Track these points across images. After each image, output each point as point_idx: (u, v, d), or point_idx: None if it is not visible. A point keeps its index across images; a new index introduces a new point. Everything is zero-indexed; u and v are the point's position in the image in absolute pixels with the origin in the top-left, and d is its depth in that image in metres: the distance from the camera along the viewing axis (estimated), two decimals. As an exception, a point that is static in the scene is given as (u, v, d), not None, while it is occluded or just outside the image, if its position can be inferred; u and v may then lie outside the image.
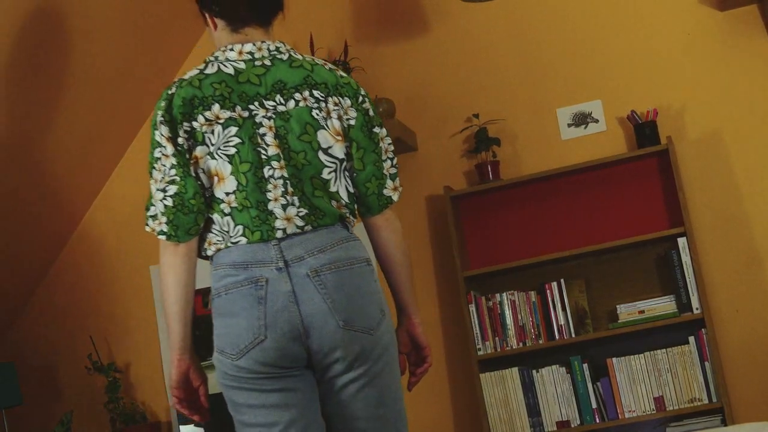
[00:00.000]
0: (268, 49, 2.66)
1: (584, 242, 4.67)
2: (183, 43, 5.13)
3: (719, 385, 4.36)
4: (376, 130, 2.69)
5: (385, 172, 2.71)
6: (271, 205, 2.55)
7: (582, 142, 4.79)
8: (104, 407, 5.00)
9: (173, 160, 2.55)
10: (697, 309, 4.43)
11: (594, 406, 4.51)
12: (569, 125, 4.81)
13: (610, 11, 4.81)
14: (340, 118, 2.62)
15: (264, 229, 2.54)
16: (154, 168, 2.58)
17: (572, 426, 4.50)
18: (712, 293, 4.59)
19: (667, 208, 4.64)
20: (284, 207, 2.55)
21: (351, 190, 2.66)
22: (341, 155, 2.62)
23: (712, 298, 4.58)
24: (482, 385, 4.57)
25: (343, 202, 2.63)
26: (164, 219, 2.56)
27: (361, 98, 2.67)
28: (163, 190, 2.56)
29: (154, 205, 2.58)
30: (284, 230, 2.55)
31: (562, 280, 4.59)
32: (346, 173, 2.65)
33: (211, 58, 2.66)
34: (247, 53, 2.63)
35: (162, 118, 2.56)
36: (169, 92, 2.59)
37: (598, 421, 4.50)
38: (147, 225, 2.59)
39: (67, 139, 4.72)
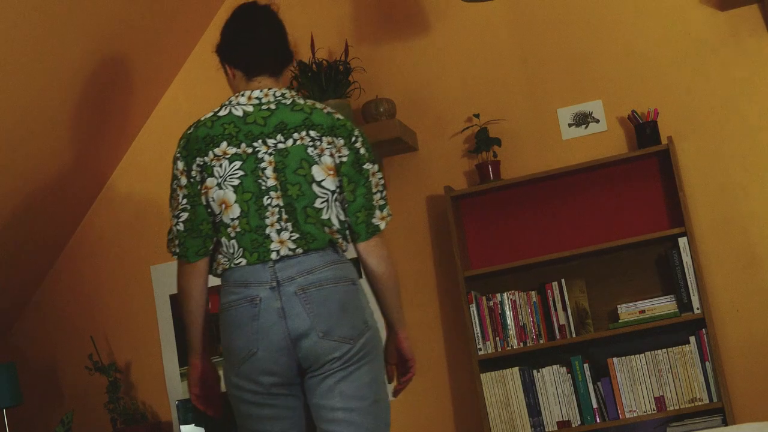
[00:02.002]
0: (274, 95, 3.04)
1: (585, 242, 4.67)
2: (183, 44, 5.13)
3: (720, 385, 4.36)
4: (367, 166, 3.04)
5: (374, 203, 3.04)
6: (267, 230, 2.92)
7: (582, 142, 4.79)
8: (105, 407, 5.00)
9: (186, 191, 2.98)
10: (697, 309, 4.43)
11: (594, 405, 4.51)
12: (570, 125, 4.81)
13: (610, 11, 4.81)
14: (332, 155, 2.99)
15: (261, 251, 2.92)
16: (171, 197, 3.03)
17: (573, 426, 4.51)
18: (713, 293, 4.59)
19: (667, 208, 4.65)
20: (279, 232, 2.92)
21: (342, 218, 3.01)
22: (333, 187, 2.99)
23: (712, 298, 4.58)
24: (483, 384, 4.57)
25: (335, 228, 2.99)
26: (177, 242, 2.99)
27: (354, 138, 3.03)
28: (177, 217, 2.99)
29: (171, 230, 3.01)
30: (278, 252, 2.92)
31: (562, 280, 4.59)
32: (338, 203, 3.01)
33: (226, 102, 3.04)
34: (255, 98, 3.03)
35: (179, 154, 3.01)
36: (188, 132, 3.03)
37: (598, 420, 4.50)
38: (167, 246, 3.03)
39: (67, 139, 4.72)
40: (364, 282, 3.11)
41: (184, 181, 2.99)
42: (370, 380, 2.95)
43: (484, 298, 4.62)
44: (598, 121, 4.78)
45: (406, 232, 4.93)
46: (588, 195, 4.73)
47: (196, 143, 2.98)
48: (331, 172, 2.98)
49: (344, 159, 3.00)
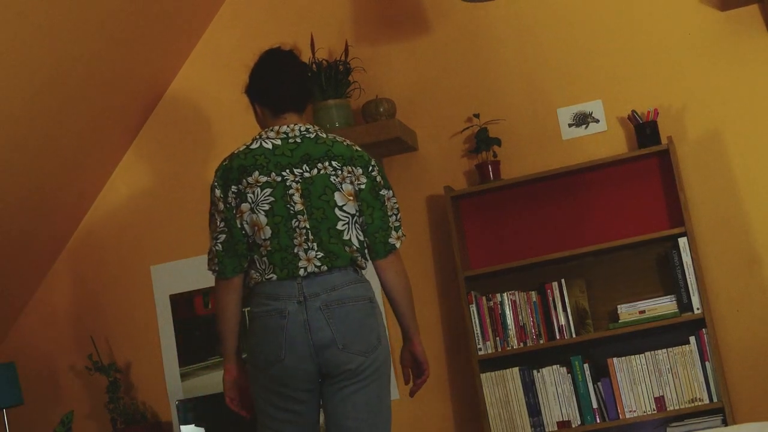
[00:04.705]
0: (299, 129, 3.39)
1: (585, 242, 4.67)
2: (184, 44, 5.13)
3: (720, 385, 4.36)
4: (383, 192, 3.41)
5: (390, 225, 3.40)
6: (296, 249, 3.28)
7: (583, 142, 4.79)
8: (105, 407, 5.00)
9: (223, 215, 3.33)
10: (697, 309, 4.43)
11: (594, 406, 4.51)
12: (570, 125, 4.81)
13: (610, 11, 4.81)
14: (352, 183, 3.36)
15: (290, 268, 3.27)
16: (210, 221, 3.38)
17: (573, 426, 4.51)
18: (713, 293, 4.59)
19: (667, 208, 4.64)
20: (306, 251, 3.28)
21: (361, 238, 3.36)
22: (353, 211, 3.35)
23: (712, 298, 4.58)
24: (483, 384, 4.57)
25: (355, 247, 3.33)
26: (216, 260, 3.33)
27: (371, 168, 3.40)
28: (216, 238, 3.34)
29: (210, 250, 3.35)
30: (305, 269, 3.27)
31: (562, 280, 4.59)
32: (358, 225, 3.36)
33: (257, 137, 3.40)
34: (283, 133, 3.39)
35: (216, 183, 3.36)
36: (224, 164, 3.38)
37: (598, 421, 4.50)
38: (208, 265, 3.36)
39: (67, 139, 4.72)
40: (379, 299, 3.50)
41: (221, 206, 3.34)
42: (378, 395, 3.32)
43: (484, 298, 4.62)
44: (598, 121, 4.78)
45: (407, 232, 4.90)
46: (588, 195, 4.73)
47: (231, 173, 3.34)
48: (351, 198, 3.35)
49: (362, 186, 3.37)
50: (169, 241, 5.11)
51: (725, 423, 4.33)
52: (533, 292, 4.61)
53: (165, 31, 4.89)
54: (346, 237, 3.32)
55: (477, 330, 4.60)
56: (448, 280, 4.85)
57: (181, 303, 5.08)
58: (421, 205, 4.93)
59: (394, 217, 3.42)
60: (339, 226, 3.31)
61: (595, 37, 4.82)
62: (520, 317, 4.59)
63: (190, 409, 4.81)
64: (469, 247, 4.82)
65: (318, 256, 3.27)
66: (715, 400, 4.38)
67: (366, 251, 3.39)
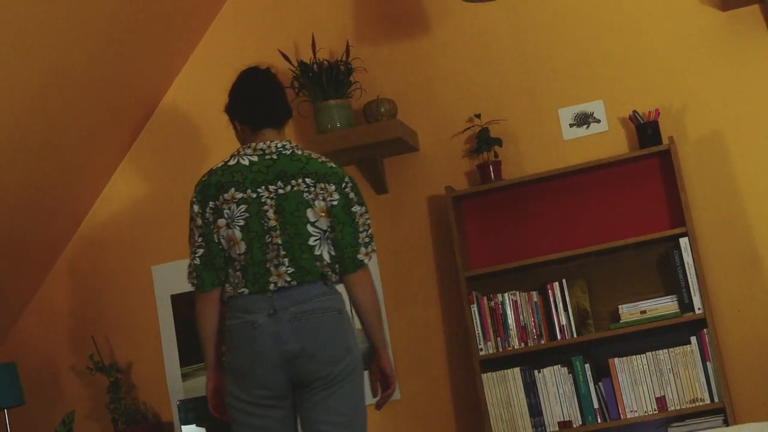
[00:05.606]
0: (276, 146, 3.49)
1: (586, 242, 4.67)
2: (184, 44, 5.13)
3: (721, 385, 4.36)
4: (355, 209, 3.48)
5: (360, 241, 3.47)
6: (268, 265, 3.38)
7: (584, 142, 4.79)
8: (106, 407, 5.00)
9: (201, 230, 3.44)
10: (698, 309, 4.43)
11: (596, 406, 4.51)
12: (571, 125, 4.81)
13: (611, 11, 4.81)
14: (324, 199, 3.44)
15: (261, 282, 3.37)
16: (189, 236, 3.48)
17: (574, 426, 4.50)
18: (714, 293, 4.59)
19: (668, 208, 4.65)
20: (277, 266, 3.37)
21: (333, 253, 3.45)
22: (325, 227, 3.44)
23: (713, 298, 4.58)
24: (484, 385, 4.57)
25: (326, 262, 3.43)
26: (195, 274, 3.44)
27: (344, 184, 3.48)
28: (194, 253, 3.44)
29: (189, 264, 3.45)
30: (276, 284, 3.37)
31: (563, 280, 4.59)
32: (329, 241, 3.44)
33: (235, 153, 3.50)
34: (260, 149, 3.48)
35: (195, 199, 3.46)
36: (203, 179, 3.48)
37: (599, 421, 4.50)
38: (187, 278, 3.46)
39: (68, 139, 4.72)
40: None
41: (199, 221, 3.45)
42: (350, 397, 3.42)
43: (485, 298, 4.62)
44: (599, 121, 4.78)
45: (408, 233, 4.93)
46: (589, 195, 4.73)
47: (209, 189, 3.44)
48: (323, 214, 3.44)
49: (335, 203, 3.45)
50: (170, 241, 5.10)
51: (726, 423, 4.33)
52: (534, 292, 4.61)
53: (166, 32, 4.89)
54: (317, 252, 3.41)
55: (478, 330, 4.60)
56: (449, 280, 4.85)
57: (182, 303, 5.08)
58: (422, 205, 4.93)
59: (364, 233, 3.49)
60: (311, 242, 3.41)
61: (596, 38, 4.82)
62: (521, 317, 4.59)
63: (191, 409, 4.81)
64: (470, 247, 4.82)
65: (288, 272, 3.38)
66: (716, 400, 4.38)
67: (336, 266, 3.46)
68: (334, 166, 3.53)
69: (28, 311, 5.25)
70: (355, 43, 5.00)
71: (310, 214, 3.42)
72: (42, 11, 4.04)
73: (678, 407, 4.42)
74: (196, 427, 4.75)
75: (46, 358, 5.21)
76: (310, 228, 3.41)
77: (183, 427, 4.81)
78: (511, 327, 4.59)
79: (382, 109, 4.75)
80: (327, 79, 4.75)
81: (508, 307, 4.60)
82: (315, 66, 4.78)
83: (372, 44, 5.03)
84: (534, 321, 4.58)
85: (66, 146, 4.74)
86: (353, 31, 5.05)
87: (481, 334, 4.60)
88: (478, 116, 4.83)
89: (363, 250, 3.48)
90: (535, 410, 4.54)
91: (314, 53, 4.85)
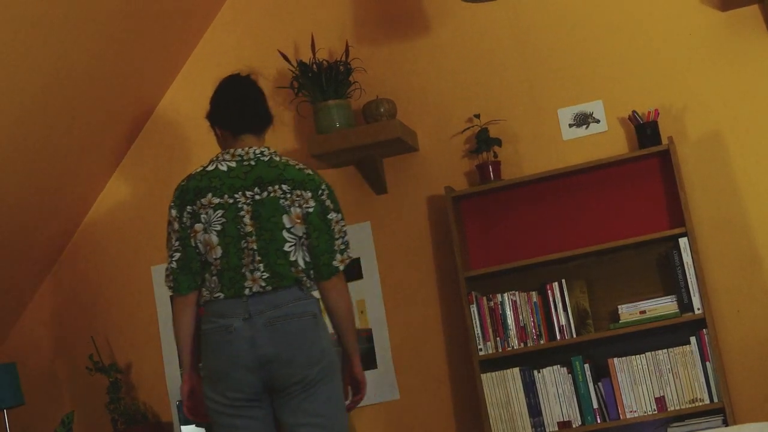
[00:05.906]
0: (254, 153, 3.53)
1: (585, 242, 4.67)
2: (183, 45, 5.13)
3: (720, 386, 4.36)
4: (331, 216, 3.52)
5: (335, 248, 3.51)
6: (243, 270, 3.42)
7: (583, 142, 4.79)
8: (106, 407, 5.00)
9: (178, 234, 3.47)
10: (698, 309, 4.43)
11: (595, 406, 4.51)
12: (570, 125, 4.81)
13: (611, 11, 4.81)
14: (300, 206, 3.47)
15: (236, 287, 3.41)
16: (167, 240, 3.51)
17: (573, 426, 4.50)
18: (714, 293, 4.59)
19: (668, 209, 4.64)
20: (252, 271, 3.42)
21: (308, 260, 3.48)
22: (300, 233, 3.47)
23: (713, 298, 4.58)
24: (483, 385, 4.57)
25: (300, 268, 3.46)
26: (171, 277, 3.48)
27: (320, 191, 3.52)
28: (171, 256, 3.48)
29: (167, 267, 3.48)
30: (251, 288, 3.41)
31: (563, 281, 4.59)
32: (305, 247, 3.48)
33: (214, 158, 3.54)
34: (238, 155, 3.52)
35: (173, 203, 3.50)
36: (182, 184, 3.52)
37: (599, 421, 4.50)
38: (165, 281, 3.51)
39: (68, 140, 4.72)
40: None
41: (176, 225, 3.49)
42: (327, 398, 3.44)
43: (484, 298, 4.62)
44: (598, 121, 4.78)
45: (407, 233, 4.93)
46: (589, 195, 4.73)
47: (187, 194, 3.48)
48: (299, 221, 3.47)
49: (310, 210, 3.49)
50: (169, 242, 5.10)
51: (726, 423, 4.33)
52: (534, 293, 4.61)
53: (165, 32, 4.89)
54: (292, 258, 3.45)
55: (477, 330, 4.60)
56: (448, 281, 4.85)
57: (181, 303, 5.07)
58: (421, 205, 4.93)
59: (340, 240, 3.52)
60: (286, 248, 3.44)
61: (595, 38, 4.82)
62: (520, 317, 4.59)
63: (191, 410, 4.80)
64: (469, 247, 4.82)
65: (263, 277, 3.41)
66: (715, 400, 4.38)
67: (311, 272, 3.50)
68: (311, 173, 3.56)
69: (28, 311, 5.25)
70: (354, 43, 5.00)
71: (286, 221, 3.45)
72: (42, 11, 4.04)
73: (677, 407, 4.42)
74: (196, 428, 4.75)
75: (46, 359, 5.22)
76: (285, 234, 3.45)
77: (182, 427, 4.81)
78: (510, 327, 4.59)
79: (382, 110, 4.75)
80: (326, 79, 4.75)
81: (508, 307, 4.60)
82: (314, 66, 4.78)
83: (371, 44, 5.03)
84: (533, 321, 4.58)
85: (66, 146, 4.74)
86: (353, 31, 5.05)
87: (480, 335, 4.60)
88: (478, 116, 4.83)
89: (338, 257, 3.51)
90: (535, 410, 4.54)
91: (314, 53, 4.85)
